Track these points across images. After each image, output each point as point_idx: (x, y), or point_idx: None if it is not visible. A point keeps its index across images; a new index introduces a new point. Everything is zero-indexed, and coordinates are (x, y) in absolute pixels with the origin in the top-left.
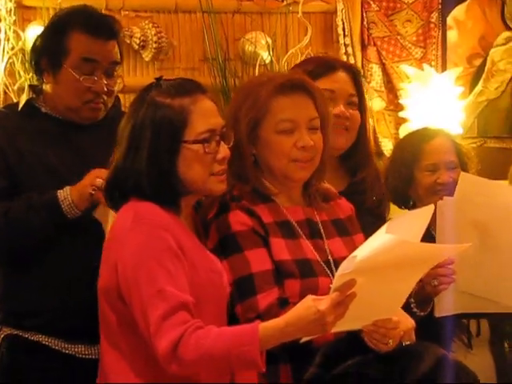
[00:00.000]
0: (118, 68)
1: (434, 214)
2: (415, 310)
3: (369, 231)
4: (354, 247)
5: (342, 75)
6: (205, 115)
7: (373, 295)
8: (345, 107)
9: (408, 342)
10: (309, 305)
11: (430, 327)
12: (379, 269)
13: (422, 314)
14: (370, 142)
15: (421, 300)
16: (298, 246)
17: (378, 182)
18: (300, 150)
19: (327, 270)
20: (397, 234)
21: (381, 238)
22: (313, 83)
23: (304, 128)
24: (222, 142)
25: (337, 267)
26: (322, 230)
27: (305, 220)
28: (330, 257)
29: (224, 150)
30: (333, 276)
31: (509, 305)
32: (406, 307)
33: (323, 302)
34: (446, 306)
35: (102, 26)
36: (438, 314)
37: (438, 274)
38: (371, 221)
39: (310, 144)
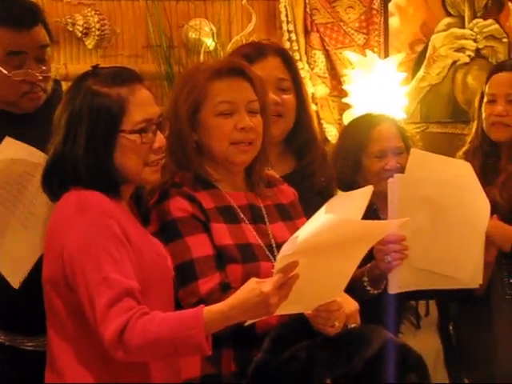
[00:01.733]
0: (49, 49)
1: (386, 194)
2: (369, 288)
3: None
4: (296, 231)
5: (271, 60)
6: (142, 105)
7: (316, 276)
8: (276, 93)
9: (353, 325)
10: (252, 287)
11: (378, 309)
12: (321, 249)
13: (376, 291)
14: (313, 123)
15: (374, 278)
16: (240, 231)
17: (325, 163)
18: (240, 131)
19: (269, 254)
20: (336, 213)
21: (321, 218)
22: (250, 68)
23: (243, 110)
24: (158, 132)
25: (279, 251)
26: (264, 215)
27: (247, 205)
28: (272, 241)
29: (160, 140)
30: (275, 260)
31: (461, 279)
32: (360, 286)
33: (266, 284)
34: (400, 282)
35: (22, 16)
36: (391, 290)
37: (390, 250)
38: (322, 202)
39: (250, 125)
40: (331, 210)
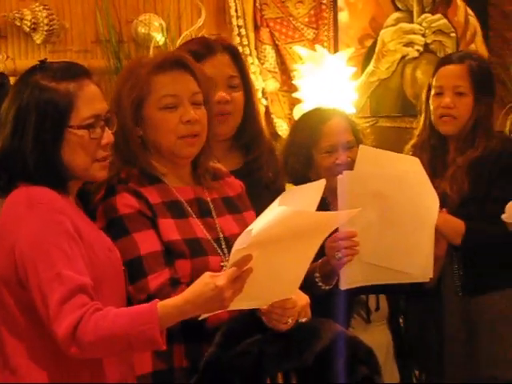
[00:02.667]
0: None
1: (336, 190)
2: (320, 283)
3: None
4: (244, 224)
5: (220, 58)
6: (90, 100)
7: (271, 270)
8: (225, 91)
9: (304, 319)
10: (206, 281)
11: (329, 303)
12: (275, 242)
13: (327, 287)
14: (260, 119)
15: (325, 274)
16: (188, 226)
17: (272, 157)
18: (186, 124)
19: (218, 248)
20: (289, 206)
21: (274, 211)
22: (192, 60)
23: (187, 103)
24: (107, 128)
25: (227, 245)
26: (212, 208)
27: (194, 199)
28: (220, 235)
29: (108, 136)
30: (223, 254)
31: (411, 273)
32: (311, 281)
33: (220, 278)
34: (351, 278)
35: None
36: (343, 286)
37: (341, 246)
38: (270, 197)
39: (195, 118)
40: (284, 203)
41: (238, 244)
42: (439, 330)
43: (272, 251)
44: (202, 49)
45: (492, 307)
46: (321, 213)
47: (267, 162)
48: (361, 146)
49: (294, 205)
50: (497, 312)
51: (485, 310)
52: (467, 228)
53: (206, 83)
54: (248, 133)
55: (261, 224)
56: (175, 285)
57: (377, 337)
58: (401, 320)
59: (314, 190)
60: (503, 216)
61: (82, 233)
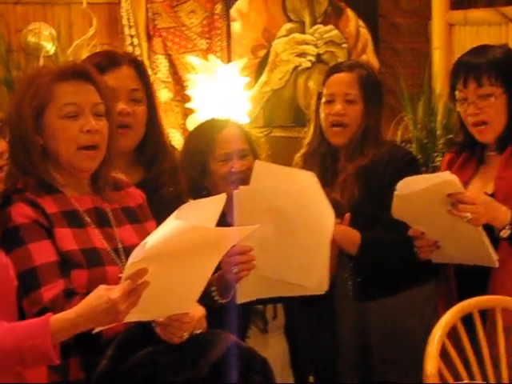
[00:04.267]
0: None
1: (232, 198)
2: (216, 297)
3: None
4: (145, 234)
5: (125, 71)
6: None
7: (168, 284)
8: (127, 104)
9: (199, 331)
10: (100, 294)
11: (225, 315)
12: (171, 256)
13: (224, 301)
14: (164, 135)
15: (222, 287)
16: (86, 236)
17: (175, 174)
18: (86, 134)
19: (116, 258)
20: (187, 220)
21: (170, 225)
22: (95, 71)
23: (88, 113)
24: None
25: (126, 255)
26: (111, 218)
27: (93, 209)
28: (119, 245)
29: (1, 145)
30: (122, 264)
31: (307, 286)
32: (207, 295)
33: (115, 291)
34: (248, 291)
35: None
36: (239, 300)
37: (237, 261)
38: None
39: (96, 128)
40: (181, 217)
41: (133, 257)
42: (332, 336)
43: (169, 265)
44: (106, 61)
45: (384, 312)
46: (218, 229)
47: (170, 179)
48: (256, 161)
49: (191, 219)
50: (389, 317)
51: (377, 316)
52: (363, 238)
53: (108, 95)
54: (150, 148)
55: (156, 238)
56: (70, 296)
57: (274, 346)
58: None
59: (214, 204)
60: (395, 192)
61: None
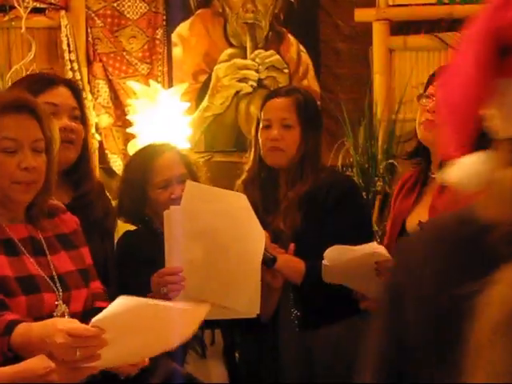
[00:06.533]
0: None
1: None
2: None
3: (96, 245)
4: (80, 260)
5: (62, 90)
6: None
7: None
8: (69, 121)
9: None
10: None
11: None
12: (123, 328)
13: None
14: (92, 158)
15: None
16: (21, 264)
17: (102, 194)
18: (23, 171)
19: (52, 285)
20: None
21: (117, 301)
22: (39, 105)
23: (28, 149)
24: None
25: (61, 283)
26: (45, 247)
27: (28, 237)
28: (54, 273)
29: None
30: (58, 292)
31: (237, 310)
32: None
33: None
34: None
35: None
36: None
37: (167, 281)
38: (98, 235)
39: (33, 165)
40: None
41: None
42: (275, 365)
43: (125, 334)
44: (39, 83)
45: (327, 341)
46: (165, 305)
47: (96, 198)
48: (188, 181)
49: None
50: (331, 346)
51: (320, 345)
52: (307, 267)
53: (51, 130)
54: (81, 168)
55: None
56: (10, 325)
57: (212, 371)
58: (237, 354)
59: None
60: (323, 262)
61: None
